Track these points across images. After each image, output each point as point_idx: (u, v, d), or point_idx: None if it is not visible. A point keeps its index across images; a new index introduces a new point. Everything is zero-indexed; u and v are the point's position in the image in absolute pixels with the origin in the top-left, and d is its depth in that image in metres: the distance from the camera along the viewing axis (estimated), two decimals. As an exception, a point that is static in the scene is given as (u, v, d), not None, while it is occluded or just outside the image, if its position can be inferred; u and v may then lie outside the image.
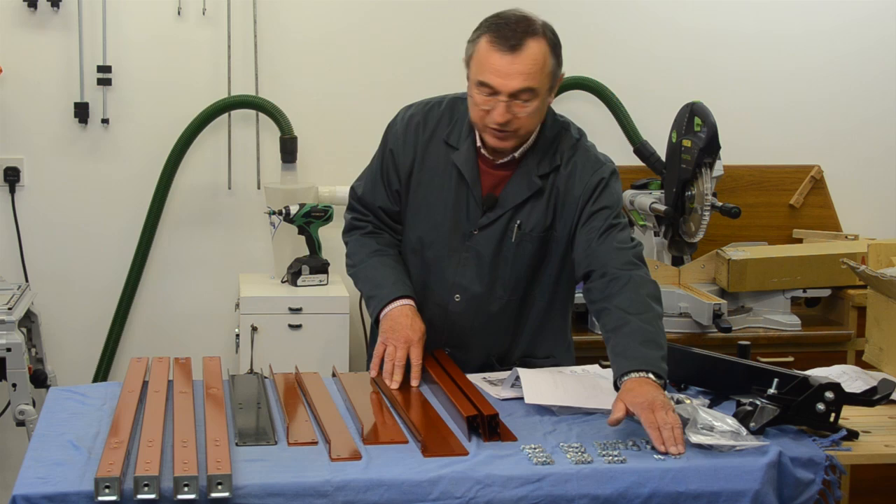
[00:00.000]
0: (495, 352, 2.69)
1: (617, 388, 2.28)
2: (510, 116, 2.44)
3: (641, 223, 3.86)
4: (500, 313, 2.65)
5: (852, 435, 2.22)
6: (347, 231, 2.76)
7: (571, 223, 2.58)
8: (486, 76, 2.42)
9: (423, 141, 2.63)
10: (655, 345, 2.32)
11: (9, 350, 3.28)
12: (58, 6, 3.80)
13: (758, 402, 2.20)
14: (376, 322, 2.62)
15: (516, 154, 2.57)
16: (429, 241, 2.65)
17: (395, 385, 2.46)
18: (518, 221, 2.58)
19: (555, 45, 2.47)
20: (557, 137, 2.60)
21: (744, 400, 2.23)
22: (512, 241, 2.59)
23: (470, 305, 2.64)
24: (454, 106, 2.65)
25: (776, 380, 2.26)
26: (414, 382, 2.48)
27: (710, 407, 2.33)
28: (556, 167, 2.58)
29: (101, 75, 3.85)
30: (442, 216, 2.62)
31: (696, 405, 2.26)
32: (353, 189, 2.76)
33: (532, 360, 2.68)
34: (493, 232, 2.60)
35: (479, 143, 2.58)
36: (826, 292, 3.78)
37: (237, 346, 3.66)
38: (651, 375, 2.25)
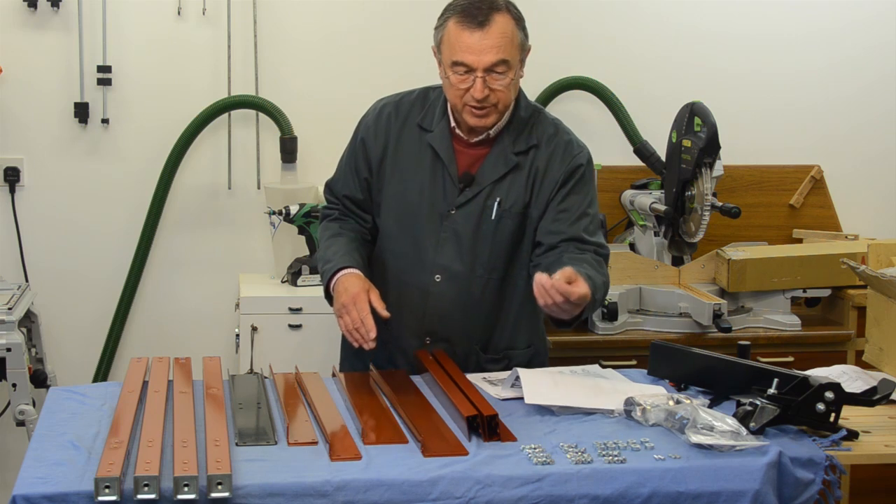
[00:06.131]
0: (478, 338, 2.69)
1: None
2: (488, 91, 2.50)
3: (641, 223, 3.86)
4: (480, 294, 2.66)
5: (852, 435, 2.22)
6: (321, 220, 2.83)
7: (545, 202, 2.63)
8: (459, 55, 2.49)
9: (396, 129, 2.67)
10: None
11: (9, 350, 3.28)
12: (58, 6, 3.80)
13: (758, 402, 2.20)
14: (329, 298, 2.61)
15: (491, 132, 2.61)
16: (405, 224, 2.67)
17: (373, 336, 2.43)
18: (497, 198, 2.62)
19: (518, 18, 2.55)
20: (532, 119, 2.66)
21: (744, 400, 2.23)
22: (492, 219, 2.62)
23: (451, 286, 2.65)
24: (426, 94, 2.72)
25: (776, 380, 2.26)
26: (383, 313, 2.45)
27: (710, 407, 2.33)
28: (533, 146, 2.63)
29: (101, 75, 3.86)
30: (418, 198, 2.65)
31: (696, 405, 2.26)
32: (328, 180, 2.83)
33: (513, 352, 2.71)
34: (471, 210, 2.63)
35: (452, 124, 2.63)
36: (826, 292, 3.78)
37: (237, 346, 3.66)
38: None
